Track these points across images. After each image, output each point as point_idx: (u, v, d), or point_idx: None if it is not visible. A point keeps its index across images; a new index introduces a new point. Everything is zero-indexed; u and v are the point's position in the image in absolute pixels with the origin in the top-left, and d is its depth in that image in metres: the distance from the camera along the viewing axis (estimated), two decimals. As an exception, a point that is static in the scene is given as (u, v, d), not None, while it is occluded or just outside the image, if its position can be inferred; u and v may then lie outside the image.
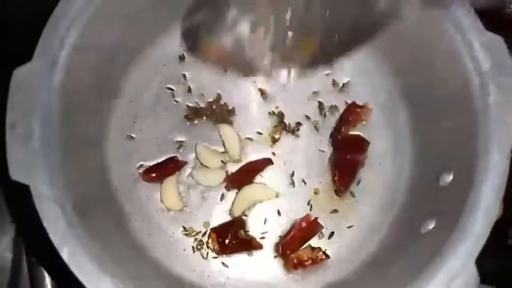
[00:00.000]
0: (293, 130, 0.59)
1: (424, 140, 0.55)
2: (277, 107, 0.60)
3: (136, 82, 0.58)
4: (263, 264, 0.56)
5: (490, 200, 0.44)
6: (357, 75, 0.60)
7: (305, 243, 0.55)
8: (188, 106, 0.59)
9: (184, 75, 0.60)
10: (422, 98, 0.54)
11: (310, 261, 0.54)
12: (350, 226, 0.57)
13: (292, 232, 0.55)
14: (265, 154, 0.59)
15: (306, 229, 0.55)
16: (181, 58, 0.60)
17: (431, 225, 0.49)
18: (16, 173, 0.40)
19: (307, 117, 0.60)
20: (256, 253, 0.56)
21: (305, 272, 0.55)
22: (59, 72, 0.44)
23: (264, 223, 0.57)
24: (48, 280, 0.57)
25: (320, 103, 0.60)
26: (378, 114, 0.59)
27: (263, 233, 0.56)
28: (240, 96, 0.60)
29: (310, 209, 0.57)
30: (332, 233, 0.56)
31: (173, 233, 0.56)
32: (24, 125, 0.41)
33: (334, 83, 0.60)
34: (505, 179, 0.43)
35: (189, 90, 0.60)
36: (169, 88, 0.59)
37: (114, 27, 0.50)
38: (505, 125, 0.45)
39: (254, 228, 0.57)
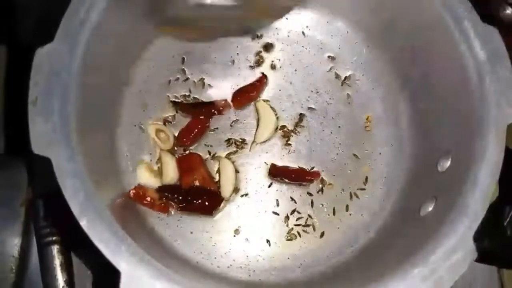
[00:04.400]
0: (296, 123, 0.61)
1: (423, 128, 0.58)
2: (280, 103, 0.62)
3: (146, 72, 0.60)
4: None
5: (487, 181, 0.46)
6: (358, 67, 0.63)
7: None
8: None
9: (192, 67, 0.62)
10: (421, 87, 0.57)
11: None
12: (351, 214, 0.59)
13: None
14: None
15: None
16: (189, 51, 0.62)
17: (429, 208, 0.51)
18: (38, 147, 0.42)
19: (312, 108, 0.62)
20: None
21: (304, 255, 0.57)
22: (78, 54, 0.46)
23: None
24: (57, 261, 0.58)
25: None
26: (378, 106, 0.62)
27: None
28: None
29: (309, 197, 0.59)
30: (333, 217, 0.58)
31: (181, 216, 0.57)
32: (45, 101, 0.43)
33: (337, 76, 0.63)
34: (500, 161, 0.46)
35: (198, 82, 0.62)
36: (177, 79, 0.61)
37: (129, 14, 0.52)
38: (500, 110, 0.47)
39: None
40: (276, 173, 0.59)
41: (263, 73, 0.62)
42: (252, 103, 0.61)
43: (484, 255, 0.51)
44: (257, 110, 0.61)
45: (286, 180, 0.59)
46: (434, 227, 0.46)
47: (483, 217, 0.45)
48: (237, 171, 0.59)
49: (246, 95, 0.61)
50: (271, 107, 0.61)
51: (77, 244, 0.41)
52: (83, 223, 0.40)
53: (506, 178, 0.48)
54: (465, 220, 0.45)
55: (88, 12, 0.46)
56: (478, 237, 0.44)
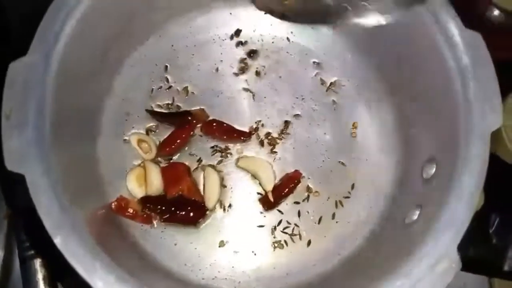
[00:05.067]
0: (282, 130, 0.61)
1: (409, 135, 0.57)
2: (265, 110, 0.61)
3: (128, 80, 0.60)
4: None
5: (472, 189, 0.45)
6: (344, 73, 0.62)
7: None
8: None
9: (175, 75, 0.61)
10: (406, 93, 0.56)
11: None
12: (338, 221, 0.58)
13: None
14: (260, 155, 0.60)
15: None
16: (172, 59, 0.61)
17: (415, 216, 0.50)
18: (11, 163, 0.41)
19: (297, 115, 0.61)
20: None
21: (291, 264, 0.56)
22: (53, 66, 0.45)
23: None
24: (40, 275, 0.57)
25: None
26: (364, 112, 0.61)
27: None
28: (231, 92, 0.61)
29: (295, 205, 0.58)
30: (320, 225, 0.58)
31: (165, 228, 0.57)
32: (19, 115, 0.42)
33: (323, 82, 0.62)
34: (485, 168, 0.45)
35: (181, 90, 0.61)
36: (160, 87, 0.61)
37: (107, 24, 0.52)
38: (485, 116, 0.46)
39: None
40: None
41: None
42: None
43: (470, 264, 0.50)
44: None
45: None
46: (419, 236, 0.46)
47: (468, 225, 0.44)
48: (222, 182, 0.58)
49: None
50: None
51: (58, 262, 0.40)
52: (57, 241, 0.40)
53: (492, 186, 0.47)
54: (449, 230, 0.44)
55: (63, 24, 0.45)
56: (464, 245, 0.44)
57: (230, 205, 0.58)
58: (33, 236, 0.54)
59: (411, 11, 0.50)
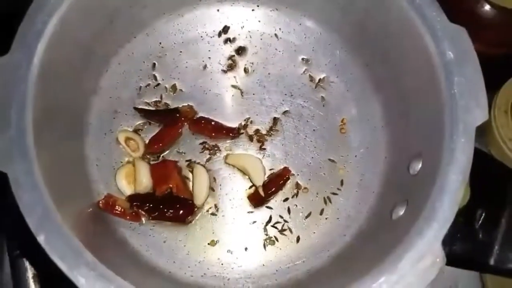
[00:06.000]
0: (271, 127, 0.61)
1: (396, 131, 0.57)
2: (254, 107, 0.61)
3: (115, 78, 0.60)
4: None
5: (456, 184, 0.45)
6: (332, 70, 0.62)
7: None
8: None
9: (163, 73, 0.61)
10: (393, 89, 0.56)
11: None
12: (327, 218, 0.58)
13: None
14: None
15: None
16: (160, 56, 0.61)
17: (401, 212, 0.50)
18: (-6, 161, 0.41)
19: (286, 112, 0.61)
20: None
21: (280, 261, 0.56)
22: (35, 65, 0.45)
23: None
24: (30, 274, 0.58)
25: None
26: (353, 108, 0.61)
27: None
28: (219, 89, 0.61)
29: (285, 202, 0.59)
30: (308, 222, 0.58)
31: (154, 225, 0.57)
32: (1, 114, 0.42)
33: (311, 79, 0.62)
34: (469, 164, 0.45)
35: (170, 88, 0.61)
36: (148, 85, 0.61)
37: (92, 22, 0.52)
38: (469, 112, 0.46)
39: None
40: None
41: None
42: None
43: (456, 259, 0.50)
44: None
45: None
46: (404, 232, 0.45)
47: (454, 220, 0.44)
48: (211, 179, 0.58)
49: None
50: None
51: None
52: (40, 239, 0.40)
53: (477, 181, 0.47)
54: (433, 225, 0.44)
55: (46, 22, 0.45)
56: (450, 240, 0.44)
57: (219, 203, 0.58)
58: (20, 236, 0.54)
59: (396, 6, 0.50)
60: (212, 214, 0.58)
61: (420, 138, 0.52)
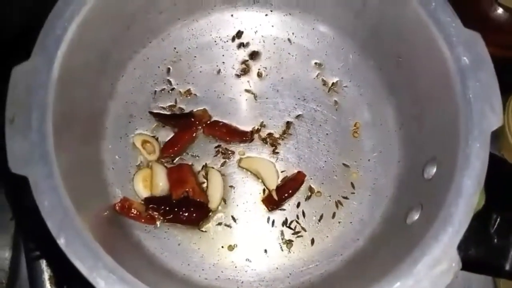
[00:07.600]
0: (284, 131, 0.61)
1: (410, 135, 0.57)
2: (267, 111, 0.61)
3: (131, 83, 0.60)
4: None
5: (472, 189, 0.45)
6: (345, 74, 0.62)
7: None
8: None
9: (178, 77, 0.62)
10: (407, 93, 0.56)
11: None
12: (340, 221, 0.58)
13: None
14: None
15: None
16: (175, 61, 0.62)
17: (416, 216, 0.50)
18: (15, 165, 0.42)
19: (299, 116, 0.61)
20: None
21: (293, 264, 0.56)
22: (55, 70, 0.46)
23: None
24: (46, 275, 0.58)
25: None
26: (366, 112, 0.61)
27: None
28: (233, 93, 0.62)
29: (298, 206, 0.59)
30: (321, 226, 0.58)
31: (168, 228, 0.57)
32: (22, 119, 0.43)
33: (325, 83, 0.62)
34: (485, 168, 0.45)
35: (184, 92, 0.61)
36: (163, 89, 0.61)
37: (110, 28, 0.53)
38: (484, 117, 0.46)
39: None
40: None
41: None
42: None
43: (471, 264, 0.50)
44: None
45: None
46: (419, 236, 0.46)
47: (469, 225, 0.44)
48: (225, 182, 0.59)
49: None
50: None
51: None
52: (60, 242, 0.40)
53: (492, 186, 0.47)
54: (449, 230, 0.44)
55: (66, 28, 0.46)
56: (465, 245, 0.44)
57: (232, 206, 0.58)
58: (38, 238, 0.55)
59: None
60: (226, 217, 0.58)
61: (434, 142, 0.52)
